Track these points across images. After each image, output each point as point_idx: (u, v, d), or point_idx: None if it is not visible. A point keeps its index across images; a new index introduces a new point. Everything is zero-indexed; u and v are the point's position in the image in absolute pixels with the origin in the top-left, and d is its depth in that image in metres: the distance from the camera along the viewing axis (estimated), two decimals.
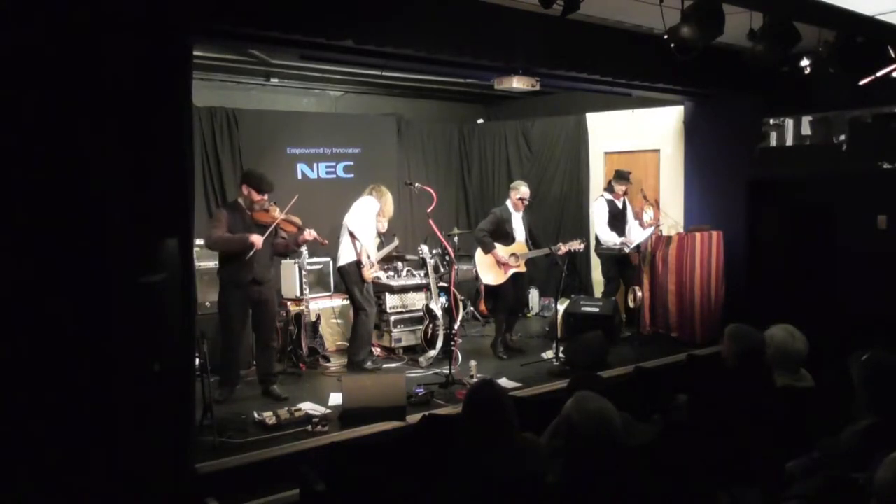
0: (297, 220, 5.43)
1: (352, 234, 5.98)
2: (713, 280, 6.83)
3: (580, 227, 8.16)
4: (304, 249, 6.26)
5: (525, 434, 2.80)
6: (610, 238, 7.08)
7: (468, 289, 8.06)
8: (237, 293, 5.21)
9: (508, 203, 6.47)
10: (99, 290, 3.54)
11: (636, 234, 7.26)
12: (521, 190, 6.44)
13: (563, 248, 6.33)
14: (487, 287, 6.95)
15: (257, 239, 5.09)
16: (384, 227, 6.44)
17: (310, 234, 5.44)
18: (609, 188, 7.33)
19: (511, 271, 6.36)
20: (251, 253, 5.09)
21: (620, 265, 7.15)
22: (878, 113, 6.36)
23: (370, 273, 6.06)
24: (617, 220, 7.26)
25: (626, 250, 7.06)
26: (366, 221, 6.08)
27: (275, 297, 5.59)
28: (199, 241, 5.69)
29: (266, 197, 5.28)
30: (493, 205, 6.68)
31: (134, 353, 3.67)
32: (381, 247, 6.47)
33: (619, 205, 7.31)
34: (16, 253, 3.35)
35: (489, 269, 6.40)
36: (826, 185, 6.47)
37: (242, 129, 7.24)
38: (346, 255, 6.03)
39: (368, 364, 6.05)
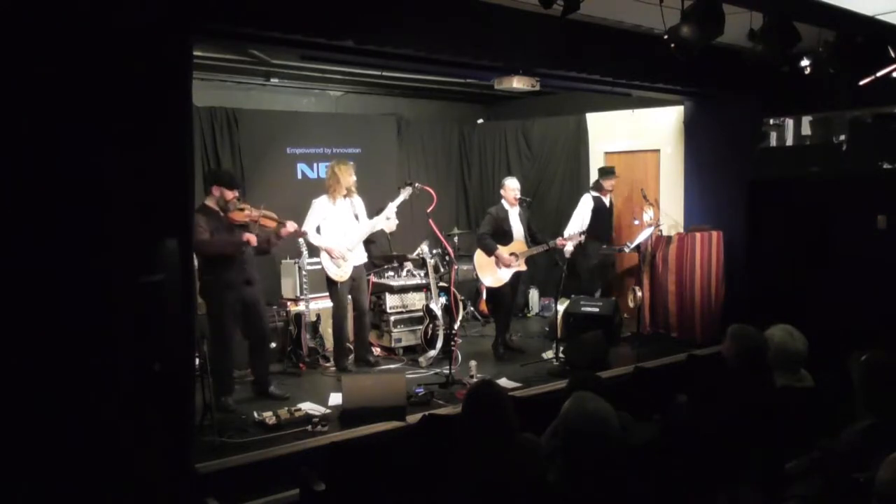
0: (273, 215, 5.32)
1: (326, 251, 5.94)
2: (713, 280, 6.82)
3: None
4: (303, 249, 6.26)
5: (525, 434, 2.80)
6: (571, 229, 7.00)
7: (468, 289, 8.05)
8: (230, 296, 5.08)
9: (503, 201, 6.47)
10: (99, 290, 3.54)
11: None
12: (508, 185, 6.44)
13: (560, 242, 6.35)
14: (489, 289, 6.96)
15: (251, 237, 5.06)
16: (392, 225, 6.22)
17: (291, 225, 5.37)
18: (597, 186, 7.43)
19: (513, 271, 6.37)
20: (244, 252, 5.06)
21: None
22: (878, 113, 6.37)
23: (339, 274, 5.95)
24: (602, 217, 7.32)
25: (626, 250, 7.07)
26: (319, 231, 5.96)
27: (263, 296, 5.50)
28: None
29: (237, 194, 5.20)
30: (493, 205, 6.65)
31: (134, 353, 3.68)
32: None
33: (606, 202, 7.42)
34: (15, 252, 3.35)
35: (489, 271, 6.40)
36: (826, 185, 6.46)
37: (242, 129, 7.24)
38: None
39: (348, 364, 6.03)
